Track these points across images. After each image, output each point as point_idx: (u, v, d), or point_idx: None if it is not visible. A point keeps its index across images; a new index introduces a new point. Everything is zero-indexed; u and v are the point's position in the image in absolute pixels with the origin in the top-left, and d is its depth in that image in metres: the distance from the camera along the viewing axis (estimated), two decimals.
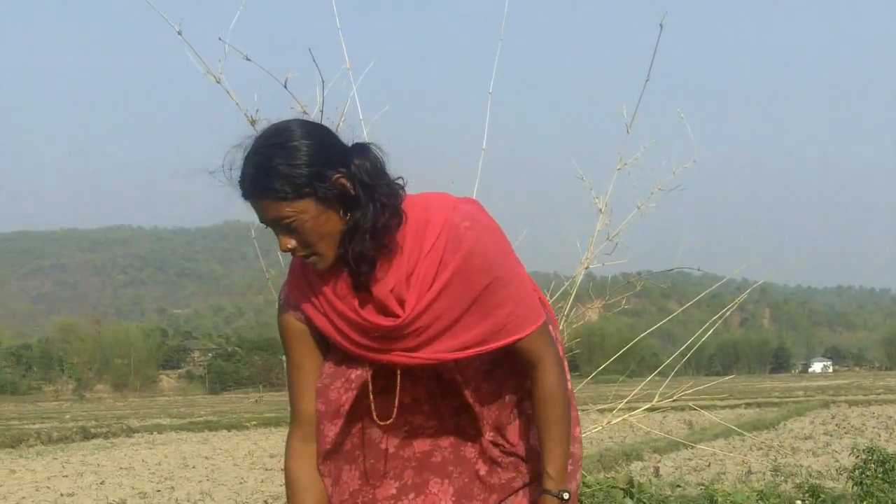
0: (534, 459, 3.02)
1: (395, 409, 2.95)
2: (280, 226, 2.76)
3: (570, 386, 3.08)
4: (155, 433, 34.89)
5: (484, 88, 5.46)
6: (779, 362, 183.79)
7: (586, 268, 5.81)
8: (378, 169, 2.81)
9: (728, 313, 6.01)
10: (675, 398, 6.23)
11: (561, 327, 5.83)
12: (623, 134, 5.67)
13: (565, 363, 3.10)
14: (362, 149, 2.82)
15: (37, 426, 38.83)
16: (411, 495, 3.01)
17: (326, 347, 2.98)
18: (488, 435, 3.02)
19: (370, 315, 2.84)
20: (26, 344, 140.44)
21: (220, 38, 4.70)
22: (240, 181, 2.79)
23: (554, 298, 5.85)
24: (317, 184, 2.72)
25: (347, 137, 2.87)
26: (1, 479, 18.62)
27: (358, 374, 2.93)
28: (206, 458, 22.92)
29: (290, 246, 2.78)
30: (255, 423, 38.53)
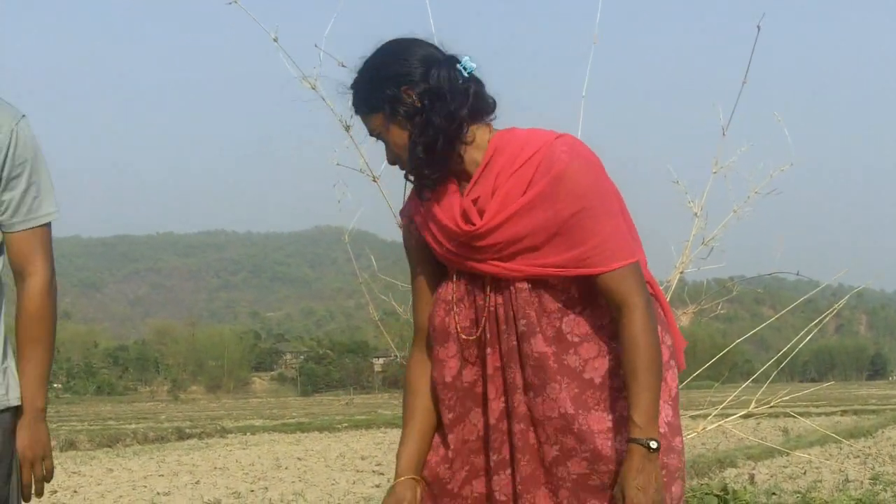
0: (614, 460, 2.89)
1: (480, 326, 3.00)
2: (379, 139, 3.00)
3: (669, 343, 3.05)
4: (248, 434, 35.16)
5: (577, 92, 5.44)
6: (875, 369, 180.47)
7: (681, 272, 5.76)
8: (448, 87, 2.90)
9: (826, 319, 5.92)
10: (772, 405, 6.14)
11: None
12: (719, 137, 5.62)
13: (671, 316, 3.12)
14: (441, 60, 2.93)
15: (133, 426, 39.34)
16: (508, 471, 3.00)
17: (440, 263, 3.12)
18: (559, 419, 2.92)
19: (454, 221, 2.95)
20: (123, 346, 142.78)
21: (315, 45, 4.73)
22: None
23: None
24: (383, 100, 2.92)
25: None
26: (98, 477, 18.89)
27: (451, 292, 3.05)
28: (299, 458, 23.05)
29: (389, 159, 3.02)
30: (346, 425, 38.67)
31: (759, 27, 5.29)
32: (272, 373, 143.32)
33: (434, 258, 3.11)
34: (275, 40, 4.94)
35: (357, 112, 3.02)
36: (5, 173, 3.08)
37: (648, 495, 2.78)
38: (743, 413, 6.05)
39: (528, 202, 2.86)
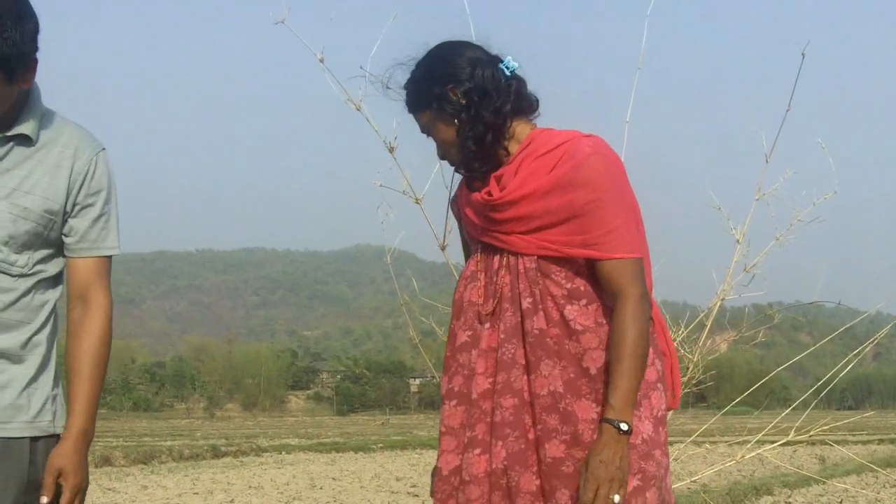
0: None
1: (493, 302, 3.13)
2: (429, 135, 3.20)
3: (662, 340, 3.21)
4: (283, 453, 35.16)
5: (621, 117, 5.43)
6: None
7: (722, 299, 5.74)
8: (493, 86, 3.10)
9: (867, 348, 5.88)
10: (811, 433, 6.10)
11: (695, 359, 5.76)
12: (762, 164, 5.60)
13: (659, 314, 3.25)
14: (485, 60, 3.13)
15: (168, 443, 39.39)
16: (477, 450, 3.07)
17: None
18: (547, 396, 3.02)
19: (479, 194, 3.16)
20: (160, 362, 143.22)
21: (360, 67, 4.74)
22: None
23: (689, 329, 5.78)
24: (432, 98, 3.12)
25: None
26: (133, 494, 18.93)
27: (469, 269, 3.24)
28: (334, 479, 23.03)
29: (438, 153, 3.22)
30: (381, 445, 38.63)
31: (803, 54, 5.27)
32: (308, 391, 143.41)
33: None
34: (321, 61, 4.96)
35: (409, 110, 3.21)
36: (80, 199, 3.19)
37: (609, 470, 2.86)
38: (782, 442, 6.02)
39: (546, 183, 3.03)
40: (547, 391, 3.00)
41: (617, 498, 2.85)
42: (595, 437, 2.95)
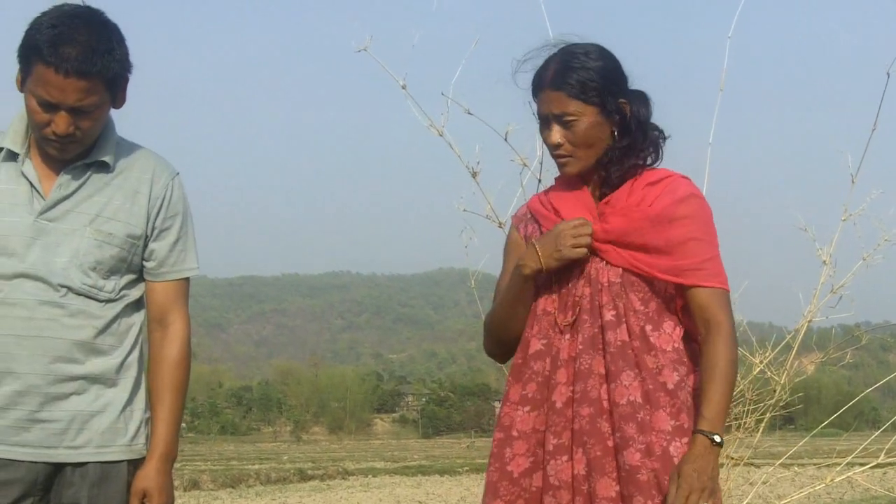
0: (663, 460, 3.04)
1: (573, 313, 3.17)
2: (560, 121, 3.15)
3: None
4: (370, 476, 35.28)
5: (704, 139, 5.42)
6: None
7: (809, 321, 5.69)
8: (649, 117, 3.24)
9: None
10: None
11: (782, 381, 5.72)
12: (848, 184, 5.55)
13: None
14: (644, 95, 3.25)
15: (256, 467, 39.65)
16: (564, 457, 3.12)
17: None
18: (626, 406, 3.07)
19: (582, 213, 3.21)
20: (247, 386, 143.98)
21: (442, 93, 4.78)
22: (540, 70, 3.21)
23: (776, 351, 5.75)
24: (606, 98, 3.14)
25: None
26: None
27: (546, 280, 3.26)
28: (420, 502, 23.09)
29: (557, 140, 3.17)
30: (466, 468, 38.60)
31: (888, 74, 5.23)
32: (394, 415, 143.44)
33: None
34: (403, 87, 5.00)
35: (559, 89, 3.13)
36: (158, 223, 3.28)
37: (702, 479, 2.96)
38: (873, 464, 5.95)
39: (648, 216, 3.12)
40: (626, 401, 3.06)
41: None
42: (666, 448, 3.03)
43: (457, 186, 5.29)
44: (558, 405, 3.13)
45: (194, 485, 28.92)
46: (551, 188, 3.39)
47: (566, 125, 3.14)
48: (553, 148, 3.19)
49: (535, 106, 3.24)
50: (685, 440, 3.04)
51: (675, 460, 3.01)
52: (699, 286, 3.10)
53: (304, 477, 33.69)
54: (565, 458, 3.11)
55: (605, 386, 3.10)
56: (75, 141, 3.12)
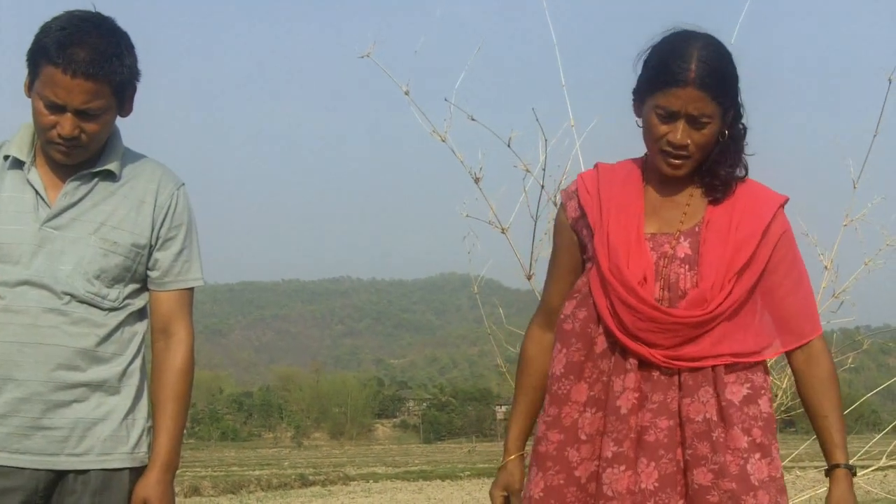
0: (737, 480, 2.97)
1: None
2: (694, 121, 2.98)
3: None
4: (371, 481, 35.25)
5: None
6: None
7: None
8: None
9: None
10: None
11: (783, 385, 5.73)
12: (850, 189, 5.56)
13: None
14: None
15: (257, 472, 39.60)
16: (622, 466, 3.01)
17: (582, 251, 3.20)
18: (702, 423, 3.00)
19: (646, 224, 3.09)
20: (248, 392, 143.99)
21: (445, 99, 4.79)
22: (678, 62, 2.96)
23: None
24: (731, 100, 3.02)
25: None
26: None
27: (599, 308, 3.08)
28: None
29: (685, 140, 2.98)
30: (468, 473, 38.56)
31: (889, 80, 5.23)
32: (395, 420, 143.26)
33: (580, 245, 3.20)
34: (406, 93, 5.01)
35: (703, 88, 2.96)
36: (163, 232, 3.28)
37: None
38: (874, 468, 5.96)
39: (744, 237, 3.03)
40: (702, 417, 2.99)
41: None
42: (740, 466, 2.97)
43: (459, 192, 5.31)
44: (623, 412, 3.01)
45: (195, 491, 28.91)
46: (606, 167, 3.23)
47: (699, 126, 2.99)
48: (675, 147, 3.01)
49: (651, 94, 3.03)
50: (758, 456, 2.98)
51: (753, 478, 2.95)
52: (803, 344, 3.19)
53: (305, 482, 33.68)
54: (622, 467, 2.99)
55: (685, 399, 3.01)
56: (80, 145, 3.12)
